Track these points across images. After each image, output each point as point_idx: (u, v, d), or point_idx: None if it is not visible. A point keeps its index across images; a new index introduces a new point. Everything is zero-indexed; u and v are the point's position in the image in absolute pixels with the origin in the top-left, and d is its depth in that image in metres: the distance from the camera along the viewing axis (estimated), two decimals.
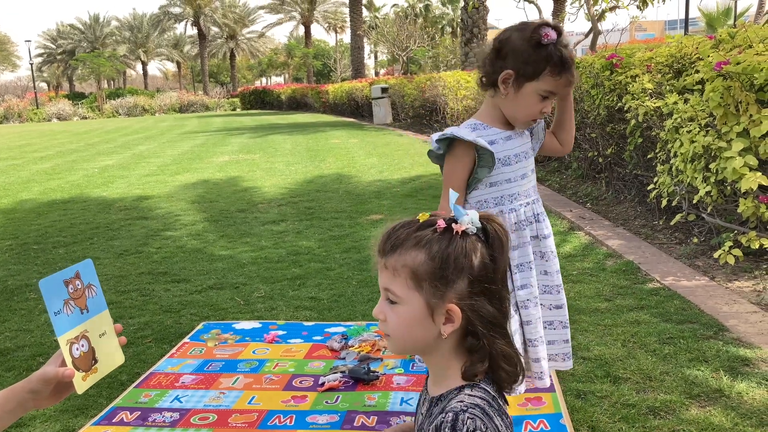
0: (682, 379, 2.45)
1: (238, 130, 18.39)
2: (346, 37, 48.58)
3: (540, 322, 1.98)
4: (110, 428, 2.35)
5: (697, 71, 3.90)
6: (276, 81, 68.54)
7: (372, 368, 2.69)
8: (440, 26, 32.64)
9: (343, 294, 3.72)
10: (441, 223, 1.13)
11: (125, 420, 2.40)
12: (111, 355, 1.22)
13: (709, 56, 3.64)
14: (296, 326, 3.27)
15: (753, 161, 3.25)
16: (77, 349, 1.15)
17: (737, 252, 3.40)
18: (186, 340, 3.16)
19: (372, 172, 8.50)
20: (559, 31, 1.77)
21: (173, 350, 3.04)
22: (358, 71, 28.74)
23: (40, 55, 65.25)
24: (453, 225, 1.12)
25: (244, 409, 2.46)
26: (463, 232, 1.12)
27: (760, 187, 3.28)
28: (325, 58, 55.29)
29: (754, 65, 3.22)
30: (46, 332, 3.34)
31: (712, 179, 3.55)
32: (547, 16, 14.78)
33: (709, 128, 3.62)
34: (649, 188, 4.50)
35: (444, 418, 1.05)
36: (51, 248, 5.17)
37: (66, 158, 12.42)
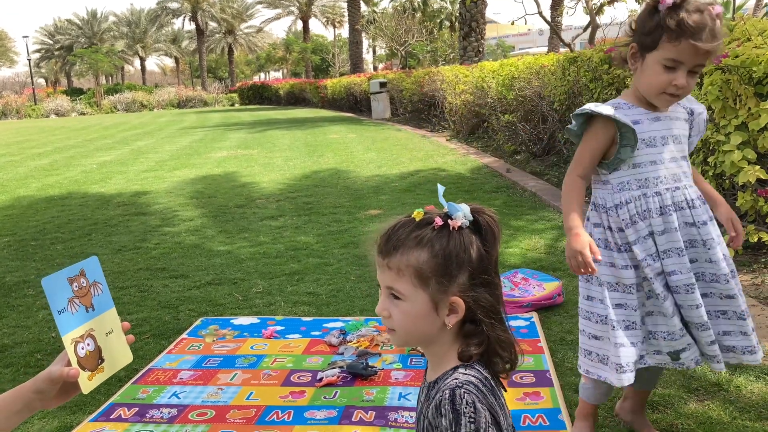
0: (681, 373, 2.45)
1: (236, 125, 18.37)
2: (345, 32, 48.48)
3: (701, 308, 1.83)
4: (108, 424, 2.35)
5: None
6: (274, 76, 68.43)
7: (370, 363, 2.69)
8: (438, 20, 32.57)
9: (342, 289, 3.71)
10: (438, 221, 1.18)
11: (123, 416, 2.40)
12: (118, 354, 1.20)
13: None
14: (294, 322, 3.27)
15: (751, 154, 3.24)
16: (83, 348, 1.13)
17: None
18: (184, 335, 3.16)
19: (370, 167, 8.49)
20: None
21: (171, 346, 3.04)
22: (356, 66, 28.68)
23: (38, 50, 65.10)
24: (449, 221, 1.17)
25: (243, 404, 2.45)
26: (459, 226, 1.17)
27: (759, 180, 3.27)
28: (324, 52, 55.16)
29: (752, 58, 3.21)
30: (44, 329, 3.33)
31: (711, 173, 3.54)
32: (546, 10, 14.75)
33: (707, 122, 3.61)
34: None
35: (442, 395, 1.10)
36: (49, 244, 5.16)
37: (64, 154, 12.39)
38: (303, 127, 15.85)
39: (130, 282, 4.06)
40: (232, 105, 38.66)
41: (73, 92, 47.05)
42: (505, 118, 8.33)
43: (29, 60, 49.01)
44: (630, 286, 1.84)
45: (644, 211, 1.83)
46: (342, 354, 2.85)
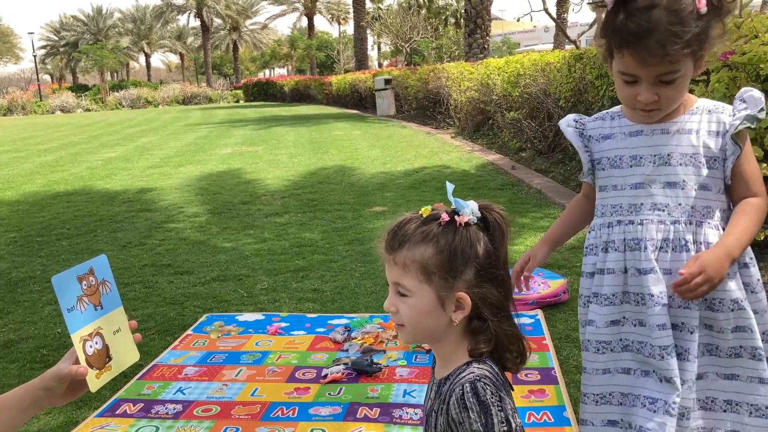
0: None
1: (241, 122, 18.38)
2: (350, 29, 48.49)
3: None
4: (113, 420, 2.35)
5: None
6: (279, 73, 68.47)
7: (375, 360, 2.69)
8: (444, 17, 32.51)
9: (347, 286, 3.72)
10: (445, 217, 1.19)
11: (128, 412, 2.41)
12: (125, 353, 1.21)
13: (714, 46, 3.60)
14: (299, 318, 3.28)
15: (758, 152, 3.23)
16: (91, 346, 1.14)
17: None
18: (189, 332, 3.17)
19: (375, 163, 8.48)
20: None
21: (176, 342, 3.05)
22: (361, 63, 28.67)
23: (44, 47, 65.28)
24: (456, 217, 1.19)
25: (247, 400, 2.46)
26: (466, 223, 1.18)
27: (765, 178, 3.26)
28: (329, 49, 55.15)
29: (760, 55, 3.19)
30: (49, 324, 3.34)
31: None
32: (551, 7, 14.71)
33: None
34: None
35: (462, 390, 1.11)
36: (55, 240, 5.18)
37: (69, 150, 12.43)
38: (308, 124, 15.85)
39: (135, 278, 4.07)
40: (237, 102, 38.70)
41: (79, 88, 47.18)
42: (511, 115, 8.31)
43: (35, 56, 49.16)
44: None
45: (604, 243, 1.50)
46: (347, 351, 2.85)
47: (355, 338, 2.95)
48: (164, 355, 2.91)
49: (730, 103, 1.48)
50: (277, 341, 3.01)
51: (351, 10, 30.37)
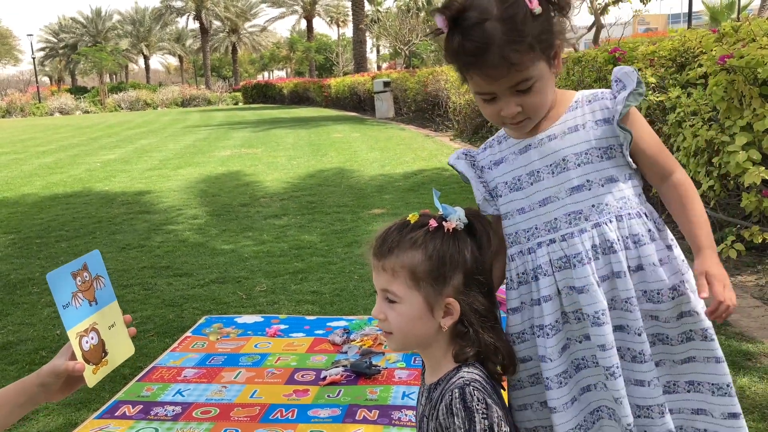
0: None
1: (240, 124, 18.38)
2: (348, 31, 48.50)
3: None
4: (112, 422, 2.35)
5: (701, 65, 3.89)
6: (278, 75, 68.48)
7: (374, 362, 2.69)
8: None
9: (345, 288, 3.72)
10: (433, 223, 1.21)
11: (127, 414, 2.41)
12: (121, 347, 1.21)
13: (712, 50, 3.62)
14: (298, 320, 3.28)
15: (756, 155, 3.24)
16: (87, 342, 1.14)
17: (740, 246, 3.39)
18: (188, 334, 3.17)
19: (374, 166, 8.49)
20: (453, 11, 1.19)
21: (175, 344, 3.05)
22: (360, 65, 28.68)
23: (42, 49, 65.25)
24: (443, 223, 1.21)
25: (246, 402, 2.46)
26: (453, 229, 1.20)
27: (764, 181, 3.27)
28: (327, 52, 55.16)
29: (757, 59, 3.20)
30: (48, 326, 3.34)
31: (715, 173, 3.54)
32: None
33: (712, 122, 3.61)
34: None
35: (451, 395, 1.12)
36: (53, 242, 5.18)
37: (68, 152, 12.42)
38: (307, 127, 15.86)
39: (134, 280, 4.08)
40: (236, 104, 38.70)
41: (78, 90, 47.17)
42: None
43: (34, 58, 49.13)
44: None
45: (531, 270, 1.33)
46: (346, 353, 2.85)
47: (354, 340, 2.96)
48: (163, 357, 2.91)
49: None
50: (276, 343, 3.01)
51: (350, 13, 30.40)
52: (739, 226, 3.70)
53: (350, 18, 30.36)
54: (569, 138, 1.32)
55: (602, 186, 1.30)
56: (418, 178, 7.22)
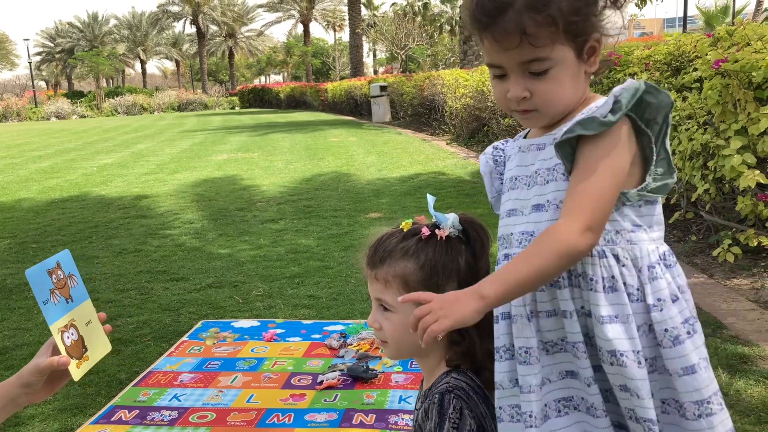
0: None
1: (236, 128, 18.38)
2: (345, 36, 48.53)
3: None
4: (109, 427, 2.35)
5: (696, 69, 3.91)
6: (275, 79, 68.52)
7: (370, 366, 2.69)
8: (439, 24, 32.60)
9: (342, 292, 3.72)
10: (425, 231, 1.19)
11: (124, 419, 2.40)
12: (99, 343, 1.23)
13: (707, 54, 3.64)
14: (295, 324, 3.28)
15: (751, 159, 3.25)
16: (68, 337, 1.15)
17: (736, 250, 3.41)
18: (185, 338, 3.16)
19: (371, 170, 8.49)
20: None
21: (172, 349, 3.05)
22: (356, 69, 28.72)
23: (39, 53, 65.17)
24: (437, 231, 1.19)
25: (243, 407, 2.46)
26: (447, 236, 1.18)
27: (759, 185, 3.28)
28: (324, 56, 55.25)
29: (752, 63, 3.22)
30: (44, 330, 3.33)
31: (711, 177, 3.55)
32: None
33: (707, 126, 3.63)
34: None
35: (431, 400, 1.12)
36: (50, 247, 5.17)
37: (65, 157, 12.40)
38: (303, 131, 15.86)
39: (130, 285, 4.07)
40: (233, 108, 38.69)
41: (74, 95, 47.10)
42: (506, 121, 8.33)
43: (30, 63, 49.05)
44: None
45: None
46: (342, 357, 2.85)
47: (351, 344, 2.96)
48: (160, 362, 2.90)
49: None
50: (273, 347, 3.01)
51: (346, 17, 30.46)
52: (734, 229, 3.71)
53: (347, 22, 30.42)
54: (549, 150, 1.14)
55: (558, 210, 1.10)
56: (415, 182, 7.23)
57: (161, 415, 2.42)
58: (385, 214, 5.67)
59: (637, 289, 1.08)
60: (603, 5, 1.11)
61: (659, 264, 1.11)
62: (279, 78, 67.45)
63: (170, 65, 75.53)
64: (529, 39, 1.04)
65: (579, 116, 1.11)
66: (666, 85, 4.46)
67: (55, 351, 1.14)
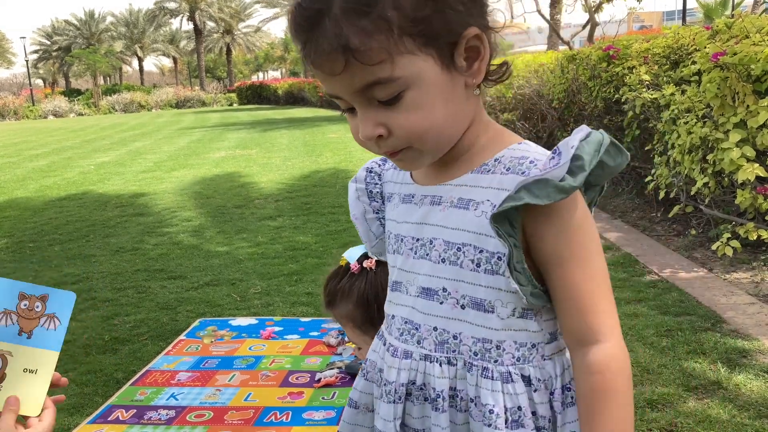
0: (680, 372, 2.44)
1: (234, 125, 18.34)
2: None
3: None
4: (106, 426, 2.34)
5: (694, 62, 3.89)
6: (273, 76, 68.40)
7: None
8: None
9: None
10: (354, 267, 1.25)
11: (121, 418, 2.39)
12: (28, 398, 0.98)
13: (705, 47, 3.62)
14: (293, 322, 3.26)
15: (750, 152, 3.24)
16: None
17: (735, 243, 3.39)
18: (182, 337, 3.15)
19: None
20: None
21: (169, 347, 3.03)
22: None
23: (36, 51, 65.02)
24: (365, 263, 1.25)
25: (241, 405, 2.44)
26: (377, 263, 1.24)
27: (758, 178, 3.26)
28: None
29: (750, 56, 3.20)
30: None
31: (710, 170, 3.53)
32: (545, 8, 14.75)
33: (706, 119, 3.61)
34: (646, 180, 4.49)
35: None
36: (47, 246, 5.15)
37: (62, 155, 12.37)
38: (302, 127, 15.83)
39: (128, 283, 4.05)
40: (231, 105, 38.63)
41: (71, 93, 47.01)
42: (504, 116, 8.31)
43: (27, 61, 48.95)
44: None
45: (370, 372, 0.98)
46: (340, 354, 2.84)
47: (349, 342, 2.94)
48: (157, 361, 2.89)
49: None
50: (271, 345, 3.00)
51: None
52: (734, 223, 3.70)
53: None
54: (452, 214, 0.85)
55: (461, 308, 0.84)
56: None
57: (158, 414, 2.41)
58: None
59: (549, 421, 0.84)
60: None
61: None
62: (277, 74, 67.37)
63: (168, 62, 75.42)
64: (357, 56, 0.74)
65: (506, 172, 0.83)
66: (665, 78, 4.45)
67: None
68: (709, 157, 3.50)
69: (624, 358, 0.83)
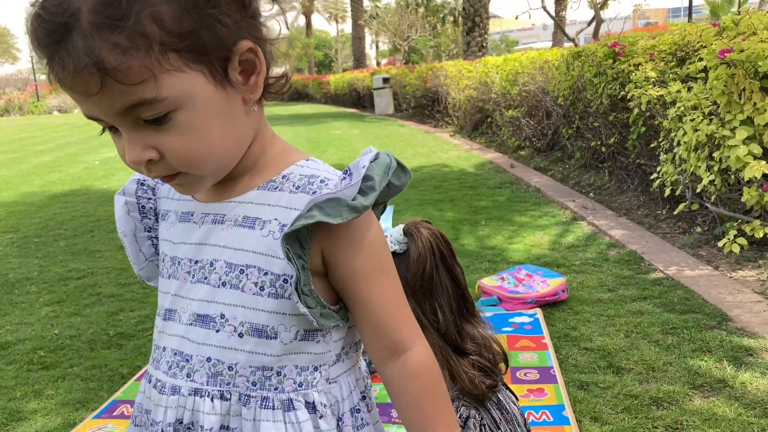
0: (686, 370, 2.44)
1: None
2: (347, 27, 48.43)
3: None
4: (111, 421, 2.34)
5: (701, 59, 3.87)
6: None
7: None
8: (442, 15, 32.49)
9: None
10: None
11: (126, 413, 2.40)
12: None
13: (712, 44, 3.60)
14: None
15: (757, 149, 3.22)
16: None
17: (742, 241, 3.38)
18: None
19: None
20: None
21: None
22: (359, 61, 28.66)
23: None
24: None
25: None
26: (393, 252, 1.22)
27: (764, 175, 3.25)
28: (326, 48, 55.12)
29: (758, 53, 3.18)
30: (47, 326, 3.33)
31: (716, 168, 3.52)
32: (550, 5, 14.70)
33: (712, 116, 3.59)
34: (652, 177, 4.47)
35: None
36: (52, 241, 5.16)
37: (67, 151, 12.41)
38: (306, 123, 15.84)
39: (133, 279, 4.06)
40: None
41: None
42: (509, 113, 8.30)
43: (32, 56, 49.04)
44: None
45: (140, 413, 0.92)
46: None
47: None
48: None
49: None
50: None
51: (349, 9, 30.35)
52: (740, 220, 3.68)
53: (349, 14, 30.33)
54: (237, 233, 0.80)
55: (239, 336, 0.79)
56: (418, 175, 7.20)
57: None
58: (387, 206, 5.64)
59: None
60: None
61: (365, 401, 0.84)
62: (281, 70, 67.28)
63: None
64: (114, 75, 0.66)
65: (296, 191, 0.81)
66: (671, 75, 4.43)
67: None
68: (716, 154, 3.49)
69: (433, 356, 0.84)
